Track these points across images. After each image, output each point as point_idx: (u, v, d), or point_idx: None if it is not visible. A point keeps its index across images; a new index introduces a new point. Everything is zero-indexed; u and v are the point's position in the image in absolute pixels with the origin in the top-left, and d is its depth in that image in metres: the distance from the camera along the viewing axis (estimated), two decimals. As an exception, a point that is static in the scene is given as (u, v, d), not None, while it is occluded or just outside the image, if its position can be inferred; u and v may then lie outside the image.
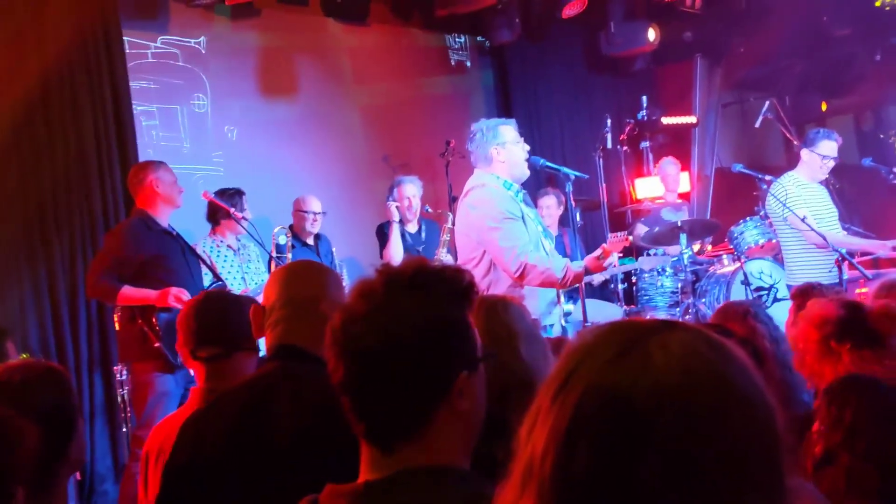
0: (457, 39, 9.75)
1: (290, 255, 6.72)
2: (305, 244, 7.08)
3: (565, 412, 0.98)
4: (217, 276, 6.00)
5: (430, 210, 7.59)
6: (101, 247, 5.82)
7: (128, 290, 5.44)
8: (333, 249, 7.21)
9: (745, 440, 0.97)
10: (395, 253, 7.16)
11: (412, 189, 7.47)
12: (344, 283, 7.02)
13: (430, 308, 1.56)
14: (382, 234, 7.45)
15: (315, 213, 7.10)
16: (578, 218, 7.67)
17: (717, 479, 0.94)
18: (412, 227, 7.54)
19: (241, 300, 3.26)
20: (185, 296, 5.43)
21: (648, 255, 7.99)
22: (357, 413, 1.59)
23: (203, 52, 7.80)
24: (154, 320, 5.45)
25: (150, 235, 5.60)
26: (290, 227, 7.10)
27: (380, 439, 1.58)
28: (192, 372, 5.26)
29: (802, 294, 3.74)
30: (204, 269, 6.27)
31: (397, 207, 7.32)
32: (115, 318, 5.62)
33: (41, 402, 2.24)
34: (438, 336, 1.56)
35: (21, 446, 1.68)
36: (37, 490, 2.18)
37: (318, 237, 7.16)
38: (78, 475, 5.90)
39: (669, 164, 9.16)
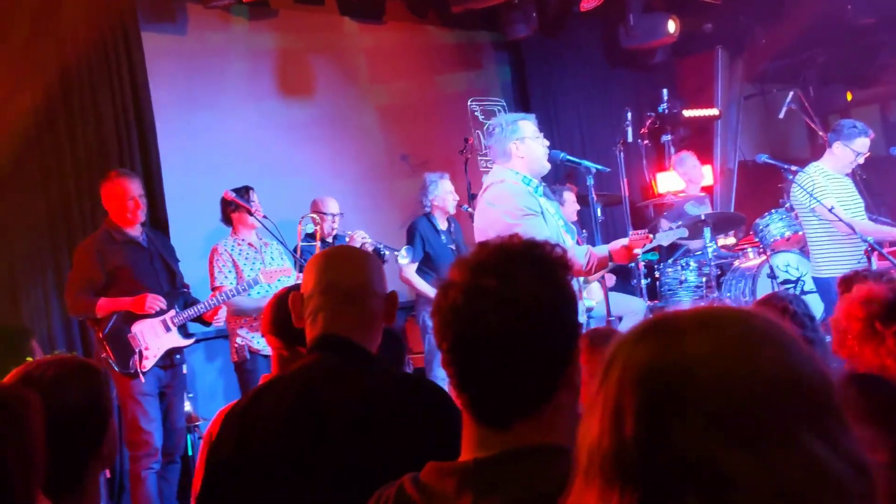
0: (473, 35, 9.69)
1: (318, 244, 6.71)
2: (325, 243, 7.05)
3: (610, 394, 1.03)
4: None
5: (467, 209, 7.60)
6: (70, 265, 5.96)
7: (104, 302, 5.70)
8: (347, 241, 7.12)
9: (772, 411, 0.99)
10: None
11: (450, 185, 7.54)
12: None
13: (549, 280, 1.56)
14: (413, 236, 7.45)
15: (333, 215, 7.09)
16: (599, 213, 7.58)
17: (755, 423, 0.97)
18: (444, 224, 7.57)
19: None
20: (161, 302, 5.72)
21: (663, 230, 7.89)
22: (475, 393, 1.56)
23: (221, 53, 7.78)
24: (100, 335, 5.72)
25: (113, 247, 5.78)
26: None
27: (498, 418, 1.54)
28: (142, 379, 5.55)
29: (847, 282, 3.62)
30: (227, 272, 6.29)
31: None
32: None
33: (74, 398, 2.22)
34: (561, 308, 1.56)
35: (29, 421, 1.65)
36: (70, 485, 2.16)
37: (335, 238, 7.13)
38: (108, 472, 5.94)
39: (686, 158, 9.04)
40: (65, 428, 2.15)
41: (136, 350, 5.66)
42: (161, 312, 5.75)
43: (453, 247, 7.51)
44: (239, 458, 2.33)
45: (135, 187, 5.82)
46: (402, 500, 1.61)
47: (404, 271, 7.24)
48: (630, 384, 1.01)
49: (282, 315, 2.99)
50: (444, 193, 7.48)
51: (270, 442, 2.29)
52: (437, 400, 2.31)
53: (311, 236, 7.00)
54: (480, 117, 8.52)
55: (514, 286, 1.52)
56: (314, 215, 6.81)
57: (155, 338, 5.74)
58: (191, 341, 5.94)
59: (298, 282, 5.34)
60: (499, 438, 1.53)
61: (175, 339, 5.81)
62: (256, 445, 2.31)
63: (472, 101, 8.13)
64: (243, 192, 6.53)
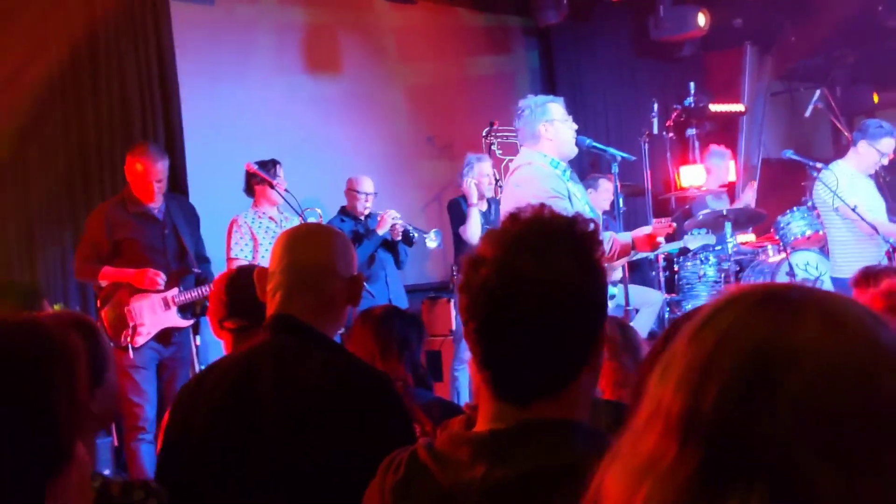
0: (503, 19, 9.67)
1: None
2: (356, 219, 7.07)
3: (701, 353, 0.94)
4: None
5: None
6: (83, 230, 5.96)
7: (108, 270, 5.70)
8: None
9: (888, 411, 0.90)
10: (474, 233, 7.09)
11: (487, 167, 7.50)
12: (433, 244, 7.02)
13: (583, 259, 1.52)
14: (458, 211, 7.42)
15: (367, 194, 7.09)
16: (621, 203, 7.58)
17: (854, 437, 0.88)
18: (483, 206, 7.55)
19: None
20: (161, 278, 5.66)
21: (691, 234, 7.89)
22: (499, 371, 1.53)
23: (249, 25, 7.79)
24: (98, 302, 5.75)
25: (124, 217, 5.75)
26: (343, 207, 7.13)
27: (519, 396, 1.53)
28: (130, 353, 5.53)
29: (866, 277, 3.61)
30: (243, 244, 6.32)
31: (476, 185, 7.27)
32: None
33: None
34: (593, 288, 1.53)
35: (77, 368, 1.66)
36: None
37: (368, 216, 7.14)
38: (115, 440, 5.94)
39: (721, 154, 8.98)
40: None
41: (130, 325, 5.62)
42: (164, 290, 5.71)
43: (492, 229, 7.44)
44: (183, 439, 2.33)
45: (158, 170, 5.75)
46: (415, 465, 1.60)
47: (468, 233, 7.16)
48: (726, 354, 0.93)
49: (238, 295, 3.10)
50: (479, 175, 7.45)
51: (210, 422, 2.28)
52: (379, 388, 2.28)
53: (344, 213, 7.02)
54: (498, 152, 8.43)
55: (549, 266, 1.49)
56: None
57: (152, 314, 5.68)
58: (190, 322, 5.85)
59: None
60: (514, 413, 1.52)
61: (173, 319, 5.74)
62: (197, 426, 2.30)
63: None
64: (269, 165, 6.53)
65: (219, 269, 6.07)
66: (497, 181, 7.47)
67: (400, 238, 7.06)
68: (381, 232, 6.90)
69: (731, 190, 9.60)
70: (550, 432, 1.50)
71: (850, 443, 0.88)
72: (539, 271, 1.48)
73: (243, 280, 3.17)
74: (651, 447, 0.95)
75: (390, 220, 6.90)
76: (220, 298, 3.17)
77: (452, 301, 7.38)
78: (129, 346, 5.59)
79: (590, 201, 5.33)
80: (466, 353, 6.97)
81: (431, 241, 7.00)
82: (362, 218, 7.08)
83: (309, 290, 2.37)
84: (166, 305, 5.71)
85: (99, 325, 5.51)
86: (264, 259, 6.07)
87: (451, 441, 1.57)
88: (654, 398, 0.97)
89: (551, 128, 4.90)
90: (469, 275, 1.54)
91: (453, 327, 7.32)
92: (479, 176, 7.42)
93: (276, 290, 2.39)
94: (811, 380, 0.89)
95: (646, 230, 4.91)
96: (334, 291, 2.41)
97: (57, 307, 5.70)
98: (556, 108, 4.95)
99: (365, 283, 6.10)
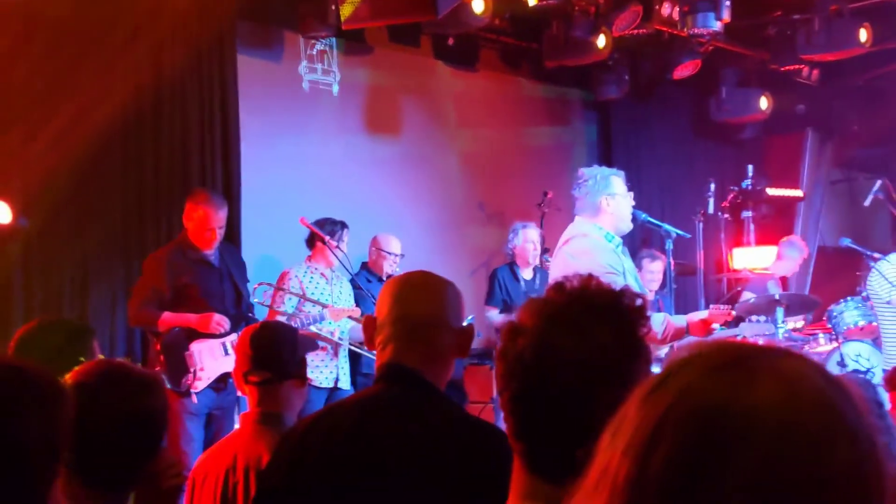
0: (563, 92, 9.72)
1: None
2: (381, 281, 7.07)
3: (653, 414, 0.91)
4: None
5: (549, 260, 7.58)
6: (141, 273, 5.95)
7: (168, 316, 5.68)
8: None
9: (843, 482, 0.87)
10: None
11: (534, 234, 7.54)
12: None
13: (625, 337, 1.49)
14: (495, 279, 7.48)
15: (395, 255, 7.06)
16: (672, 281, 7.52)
17: None
18: (527, 274, 7.56)
19: (296, 332, 3.45)
20: (226, 322, 5.67)
21: (751, 321, 7.76)
22: (532, 446, 1.51)
23: (313, 84, 7.90)
24: (158, 347, 5.71)
25: (184, 263, 5.79)
26: (364, 263, 7.13)
27: (552, 473, 1.48)
28: (194, 399, 5.50)
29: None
30: (289, 299, 6.32)
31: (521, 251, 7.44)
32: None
33: (146, 405, 2.25)
34: (634, 367, 1.48)
35: (57, 409, 1.65)
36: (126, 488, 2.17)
37: (389, 277, 7.13)
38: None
39: (800, 246, 8.82)
40: (135, 433, 2.17)
41: (192, 369, 5.63)
42: (224, 334, 5.72)
43: (535, 297, 7.44)
44: (290, 484, 2.29)
45: (219, 218, 5.81)
46: None
47: (491, 318, 7.25)
48: (675, 421, 0.90)
49: (264, 349, 3.16)
50: (523, 242, 7.48)
51: (322, 470, 2.25)
52: (498, 447, 2.21)
53: (369, 271, 7.03)
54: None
55: (588, 343, 1.46)
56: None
57: (212, 359, 5.70)
58: None
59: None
60: (548, 491, 1.48)
61: (232, 364, 5.74)
62: (308, 472, 2.27)
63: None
64: (337, 225, 6.55)
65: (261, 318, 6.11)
66: (546, 250, 7.46)
67: None
68: None
69: (784, 279, 9.49)
70: None
71: None
72: (576, 347, 1.46)
73: (267, 333, 3.25)
74: None
75: None
76: (245, 352, 3.20)
77: (493, 368, 7.33)
78: (191, 390, 5.58)
79: (639, 279, 5.28)
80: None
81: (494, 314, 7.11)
82: (385, 279, 7.08)
83: (420, 342, 2.34)
84: (225, 351, 5.71)
85: (157, 370, 5.53)
86: (307, 321, 6.12)
87: None
88: (603, 460, 0.95)
89: (612, 202, 4.85)
90: (507, 343, 1.52)
91: (494, 395, 7.27)
92: (523, 242, 7.44)
93: (387, 341, 2.35)
94: (764, 448, 0.86)
95: (702, 315, 4.80)
96: (445, 343, 2.39)
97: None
98: (618, 182, 4.91)
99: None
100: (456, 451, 2.20)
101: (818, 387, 0.92)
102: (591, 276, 1.56)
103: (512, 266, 7.57)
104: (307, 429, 2.40)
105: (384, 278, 7.05)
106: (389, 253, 7.04)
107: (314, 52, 7.91)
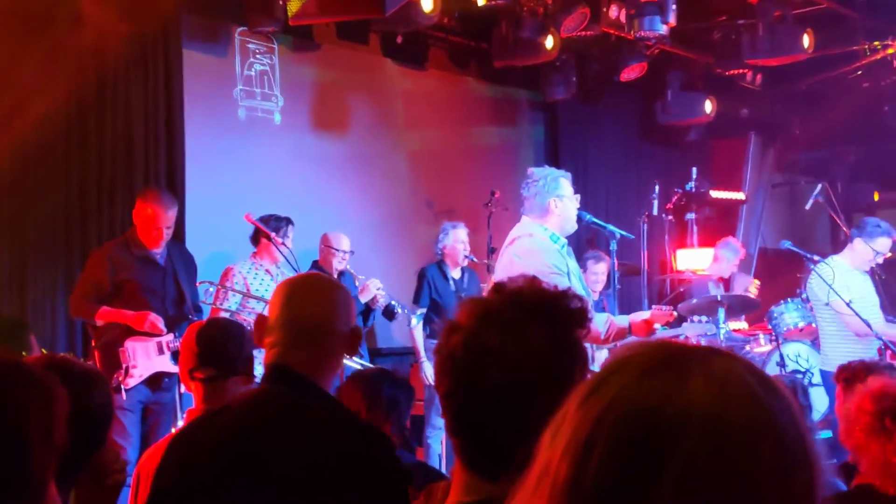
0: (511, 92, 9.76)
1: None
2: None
3: (589, 417, 0.93)
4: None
5: (475, 259, 7.59)
6: (82, 265, 5.96)
7: (105, 311, 5.69)
8: (356, 284, 7.09)
9: (774, 479, 0.89)
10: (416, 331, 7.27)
11: (464, 234, 7.55)
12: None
13: (558, 337, 1.49)
14: (423, 279, 7.46)
15: (344, 252, 7.04)
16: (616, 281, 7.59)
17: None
18: (456, 274, 7.56)
19: (243, 329, 3.42)
20: (161, 323, 5.65)
21: (692, 321, 7.86)
22: (466, 442, 1.51)
23: (259, 78, 7.85)
24: (94, 341, 5.74)
25: (128, 259, 5.78)
26: (315, 262, 7.10)
27: (486, 469, 1.49)
28: (123, 395, 5.44)
29: (846, 370, 3.60)
30: (232, 296, 6.28)
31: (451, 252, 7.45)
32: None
33: (96, 400, 2.26)
34: (567, 367, 1.49)
35: (55, 402, 1.76)
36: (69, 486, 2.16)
37: (341, 274, 7.11)
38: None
39: (735, 247, 8.95)
40: (80, 427, 2.17)
41: (124, 366, 5.60)
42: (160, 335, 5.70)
43: (463, 296, 7.46)
44: (178, 484, 2.32)
45: (167, 217, 5.80)
46: None
47: (413, 327, 7.26)
48: (610, 424, 0.91)
49: (210, 345, 3.17)
50: (454, 242, 7.48)
51: (209, 473, 2.27)
52: (378, 450, 2.28)
53: (318, 269, 7.01)
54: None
55: (519, 343, 1.47)
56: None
57: (146, 358, 5.67)
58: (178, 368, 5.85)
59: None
60: (486, 487, 1.49)
61: (166, 364, 5.71)
62: (196, 474, 2.29)
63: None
64: (282, 221, 6.53)
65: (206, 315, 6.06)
66: (493, 250, 7.47)
67: (380, 308, 7.05)
68: (363, 299, 6.88)
69: (725, 280, 9.62)
70: None
71: None
72: (506, 345, 1.46)
73: (214, 331, 3.26)
74: None
75: (374, 290, 6.89)
76: (191, 348, 3.20)
77: (422, 366, 7.34)
78: (121, 386, 5.54)
79: (583, 279, 5.32)
80: (438, 420, 6.94)
81: (413, 321, 7.07)
82: (335, 276, 7.06)
83: (307, 345, 2.37)
84: (160, 350, 5.69)
85: (90, 364, 5.47)
86: (251, 314, 6.06)
87: None
88: (543, 462, 0.96)
89: (560, 203, 4.89)
90: (442, 339, 1.53)
91: (425, 395, 7.27)
92: (454, 242, 7.45)
93: (274, 343, 2.39)
94: (694, 447, 0.88)
95: (643, 315, 4.85)
96: (332, 346, 2.43)
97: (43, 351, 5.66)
98: (566, 184, 4.95)
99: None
100: (336, 452, 2.22)
101: (748, 385, 0.93)
102: (534, 277, 1.57)
103: (441, 265, 7.55)
104: (196, 428, 2.44)
105: (334, 275, 7.04)
106: (338, 250, 7.01)
107: (261, 48, 7.85)
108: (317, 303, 2.44)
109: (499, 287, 1.55)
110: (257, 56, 7.85)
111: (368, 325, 7.29)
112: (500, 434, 1.47)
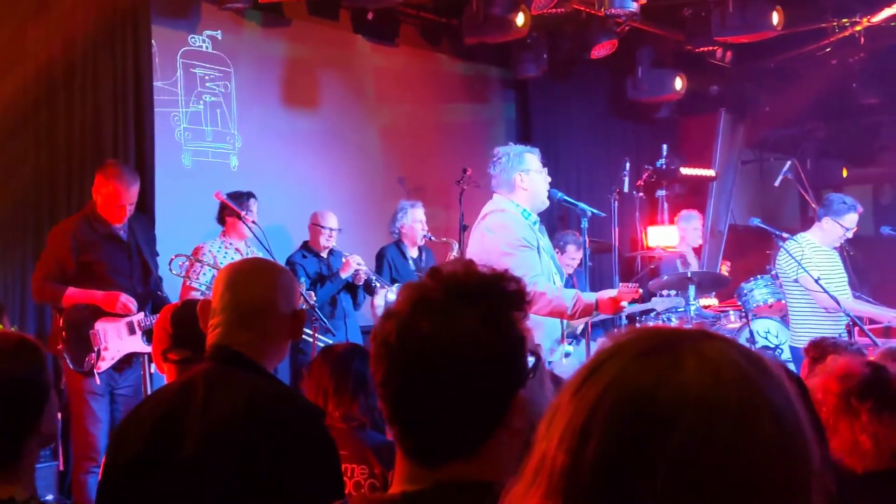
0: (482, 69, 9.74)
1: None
2: (318, 257, 7.05)
3: (584, 405, 0.94)
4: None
5: (433, 238, 7.58)
6: (45, 245, 5.72)
7: (72, 292, 5.46)
8: (343, 261, 7.09)
9: (769, 460, 0.90)
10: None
11: (421, 214, 7.55)
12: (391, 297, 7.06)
13: (493, 322, 1.46)
14: (383, 258, 7.46)
15: (331, 230, 7.08)
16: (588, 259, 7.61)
17: (727, 497, 0.88)
18: (414, 253, 7.55)
19: None
20: (133, 304, 5.49)
21: (661, 296, 7.90)
22: (404, 429, 1.49)
23: (230, 55, 7.79)
24: (60, 323, 5.46)
25: (92, 238, 5.55)
26: (305, 242, 7.13)
27: (427, 457, 1.48)
28: (96, 379, 5.37)
29: (817, 347, 3.63)
30: (201, 274, 6.22)
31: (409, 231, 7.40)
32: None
33: (11, 372, 2.20)
34: (502, 352, 1.47)
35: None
36: (6, 460, 2.16)
37: (330, 252, 7.11)
38: (61, 465, 5.79)
39: (693, 218, 9.03)
40: (2, 401, 2.17)
41: (95, 349, 5.40)
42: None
43: (421, 275, 7.43)
44: (116, 468, 2.39)
45: (130, 195, 5.56)
46: None
47: (377, 307, 7.22)
48: (605, 412, 0.92)
49: (184, 327, 3.13)
50: (412, 222, 7.46)
51: (138, 451, 2.34)
52: (310, 424, 2.35)
53: (307, 249, 7.01)
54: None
55: (453, 329, 1.44)
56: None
57: (117, 339, 5.48)
58: (150, 348, 5.75)
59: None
60: (428, 475, 1.47)
61: (138, 344, 5.52)
62: (129, 454, 2.35)
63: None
64: (244, 197, 6.49)
65: (174, 292, 6.01)
66: (465, 227, 7.47)
67: (361, 284, 7.06)
68: (344, 275, 6.90)
69: (697, 252, 9.68)
70: (463, 496, 1.45)
71: (734, 495, 0.88)
72: (438, 330, 1.44)
73: (189, 312, 3.20)
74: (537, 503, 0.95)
75: (354, 265, 6.89)
76: (165, 329, 3.19)
77: None
78: (94, 370, 5.38)
79: (555, 256, 5.33)
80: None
81: (391, 294, 7.01)
82: (324, 255, 7.06)
83: (249, 326, 2.43)
84: (131, 330, 5.51)
85: (60, 349, 5.38)
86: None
87: (363, 502, 1.56)
88: (539, 452, 0.97)
89: (527, 178, 4.92)
90: (378, 325, 1.51)
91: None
92: (412, 221, 7.43)
93: (216, 326, 2.45)
94: (691, 430, 0.89)
95: (611, 293, 4.86)
96: (275, 328, 2.48)
97: (14, 328, 5.58)
98: (532, 159, 4.97)
99: (327, 321, 5.98)
100: (267, 425, 2.28)
101: (741, 368, 0.94)
102: (470, 261, 1.55)
103: (399, 245, 7.55)
104: (135, 409, 2.52)
105: (322, 253, 7.04)
106: (325, 227, 7.05)
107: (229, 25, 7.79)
108: (259, 285, 2.49)
109: (434, 272, 1.53)
110: (228, 32, 7.79)
111: (360, 302, 7.27)
112: (438, 421, 1.45)
